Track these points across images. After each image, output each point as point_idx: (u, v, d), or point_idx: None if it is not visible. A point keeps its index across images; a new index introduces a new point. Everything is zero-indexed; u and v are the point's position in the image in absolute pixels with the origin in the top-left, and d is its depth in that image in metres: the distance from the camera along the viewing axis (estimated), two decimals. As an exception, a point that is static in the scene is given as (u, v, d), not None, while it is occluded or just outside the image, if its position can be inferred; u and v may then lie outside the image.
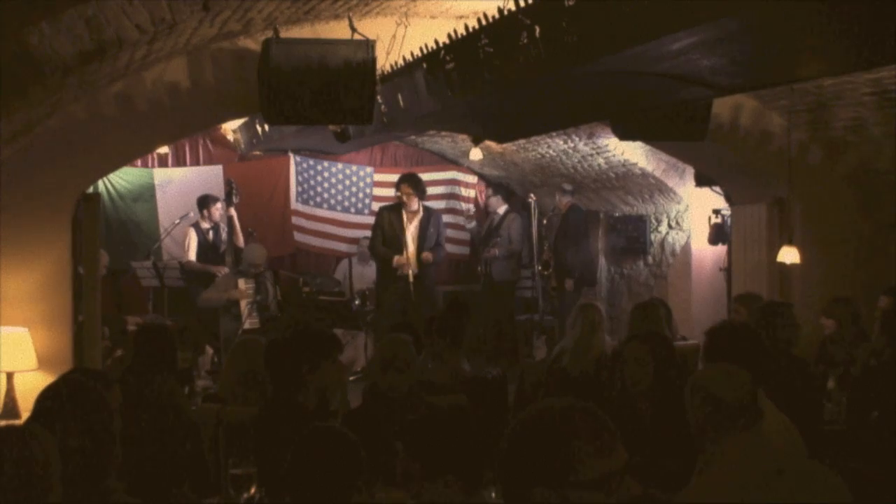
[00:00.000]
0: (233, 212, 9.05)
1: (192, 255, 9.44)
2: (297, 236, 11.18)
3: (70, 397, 2.91)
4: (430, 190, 11.59)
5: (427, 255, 8.96)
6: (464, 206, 11.81)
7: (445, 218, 11.65)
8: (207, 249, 9.44)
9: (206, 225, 9.52)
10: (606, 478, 1.85)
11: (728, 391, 3.14)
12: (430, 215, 9.09)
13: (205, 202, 9.53)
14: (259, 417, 4.18)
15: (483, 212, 11.16)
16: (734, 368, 3.29)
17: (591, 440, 1.87)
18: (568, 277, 9.78)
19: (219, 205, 9.50)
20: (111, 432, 2.87)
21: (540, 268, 9.92)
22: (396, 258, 8.81)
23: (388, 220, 8.96)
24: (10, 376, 5.69)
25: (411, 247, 8.83)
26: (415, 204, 8.89)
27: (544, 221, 10.25)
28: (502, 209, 10.47)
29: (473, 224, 11.51)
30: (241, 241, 9.09)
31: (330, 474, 2.79)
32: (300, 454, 2.86)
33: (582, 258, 9.93)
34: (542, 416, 1.93)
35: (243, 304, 8.34)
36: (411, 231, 8.88)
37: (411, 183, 8.97)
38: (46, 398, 2.98)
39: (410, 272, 8.77)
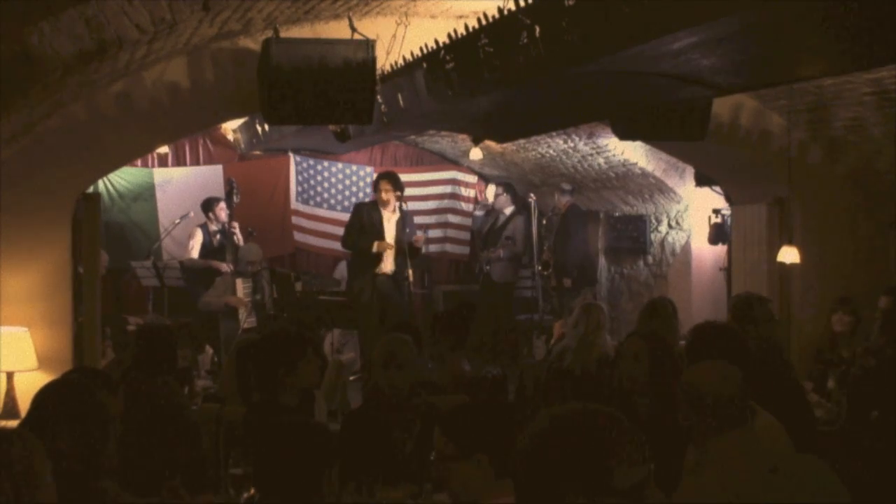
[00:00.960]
0: (235, 226, 9.05)
1: (195, 254, 9.45)
2: (297, 236, 11.19)
3: (62, 399, 2.90)
4: (430, 190, 11.63)
5: (419, 236, 8.91)
6: (464, 206, 11.81)
7: (446, 218, 11.70)
8: (212, 251, 9.43)
9: (214, 227, 9.51)
10: (640, 485, 1.84)
11: (716, 387, 3.14)
12: (405, 215, 8.97)
13: (209, 205, 9.51)
14: (245, 420, 4.19)
15: (488, 208, 11.11)
16: (724, 364, 3.29)
17: (627, 447, 1.84)
18: (566, 276, 9.79)
19: (222, 204, 9.49)
20: (105, 433, 2.86)
21: (540, 268, 9.93)
22: (377, 243, 8.68)
23: (369, 216, 8.83)
24: (10, 376, 5.69)
25: (391, 244, 8.79)
26: (394, 202, 8.83)
27: (544, 222, 10.24)
28: (508, 210, 10.45)
29: (481, 213, 11.40)
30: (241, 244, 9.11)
31: (294, 464, 2.82)
32: (267, 449, 2.89)
33: (581, 258, 9.93)
34: (575, 423, 1.88)
35: (242, 309, 8.37)
36: (390, 228, 8.84)
37: (391, 181, 8.91)
38: (39, 400, 2.97)
39: (388, 267, 8.70)
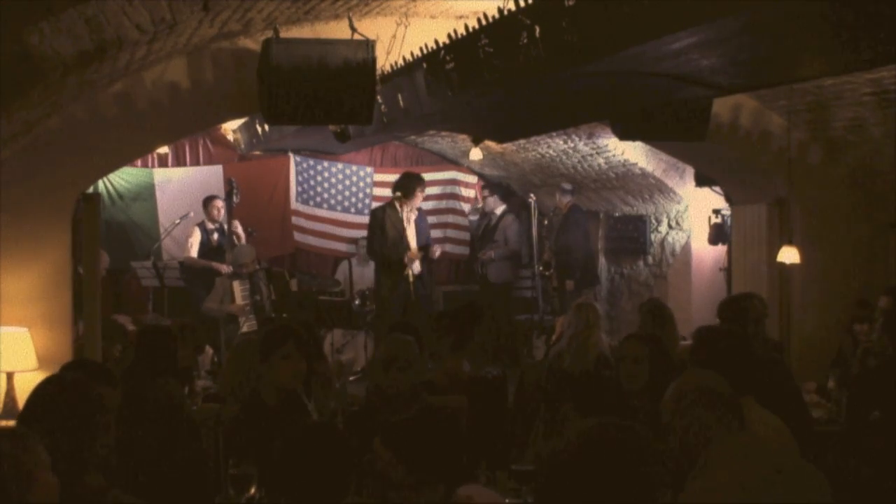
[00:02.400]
0: (236, 224, 9.07)
1: (194, 253, 9.46)
2: (297, 236, 11.18)
3: (52, 396, 2.88)
4: (430, 190, 11.60)
5: (436, 248, 9.03)
6: (464, 206, 11.81)
7: (446, 218, 11.69)
8: (211, 250, 9.45)
9: (211, 226, 9.53)
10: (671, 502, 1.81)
11: (724, 388, 3.13)
12: (419, 215, 9.09)
13: (205, 203, 9.58)
14: (233, 418, 4.17)
15: (481, 211, 11.15)
16: (711, 372, 3.26)
17: (661, 464, 1.81)
18: (568, 278, 9.76)
19: (216, 202, 9.51)
20: (94, 429, 2.83)
21: (541, 268, 9.89)
22: (409, 253, 8.79)
23: (391, 220, 8.91)
24: (10, 376, 5.69)
25: (413, 245, 8.83)
26: (419, 203, 8.92)
27: (545, 222, 10.23)
28: (500, 209, 10.49)
29: (476, 218, 11.44)
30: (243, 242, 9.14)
31: (317, 472, 2.75)
32: (286, 452, 2.82)
33: (583, 259, 9.91)
34: (613, 442, 1.82)
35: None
36: (411, 229, 8.89)
37: (424, 185, 9.01)
38: (33, 398, 2.96)
39: (411, 272, 8.77)
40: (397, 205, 8.93)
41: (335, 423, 4.29)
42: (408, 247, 8.81)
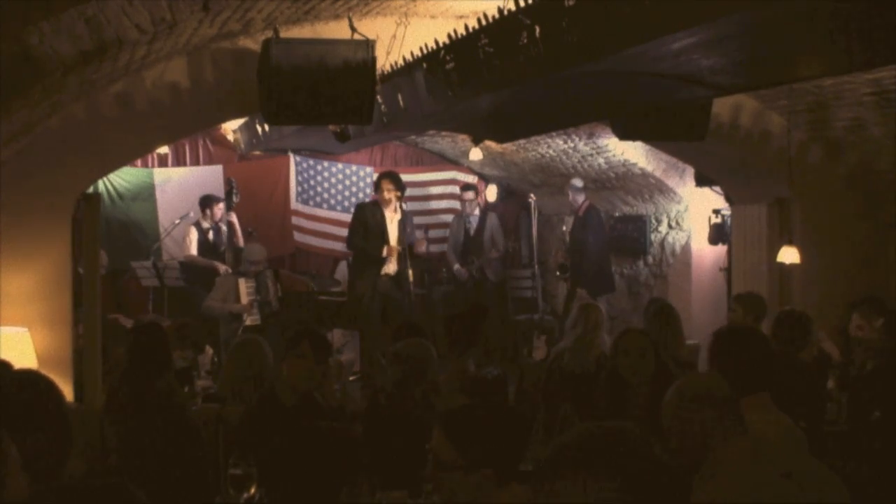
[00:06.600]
0: (233, 216, 9.08)
1: (194, 250, 9.48)
2: (297, 236, 11.18)
3: (21, 395, 2.86)
4: (430, 190, 11.62)
5: (421, 243, 8.95)
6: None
7: (445, 218, 11.68)
8: (207, 249, 9.47)
9: (206, 224, 9.56)
10: None
11: (723, 391, 3.11)
12: (405, 216, 8.95)
13: (207, 202, 9.61)
14: (245, 414, 4.18)
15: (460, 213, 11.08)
16: (712, 374, 3.25)
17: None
18: (580, 285, 9.30)
19: (221, 205, 9.52)
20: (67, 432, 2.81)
21: (558, 272, 9.69)
22: (387, 248, 8.74)
23: (372, 215, 8.83)
24: (10, 376, 5.69)
25: (395, 243, 8.79)
26: (395, 201, 8.81)
27: (565, 228, 9.83)
28: (477, 211, 10.53)
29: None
30: (241, 242, 9.12)
31: (316, 471, 2.76)
32: (287, 451, 2.83)
33: (597, 265, 9.57)
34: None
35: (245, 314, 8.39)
36: (393, 229, 8.85)
37: (393, 180, 8.89)
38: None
39: (392, 269, 8.72)
40: (381, 203, 8.92)
41: (345, 424, 4.29)
42: (387, 242, 8.74)
